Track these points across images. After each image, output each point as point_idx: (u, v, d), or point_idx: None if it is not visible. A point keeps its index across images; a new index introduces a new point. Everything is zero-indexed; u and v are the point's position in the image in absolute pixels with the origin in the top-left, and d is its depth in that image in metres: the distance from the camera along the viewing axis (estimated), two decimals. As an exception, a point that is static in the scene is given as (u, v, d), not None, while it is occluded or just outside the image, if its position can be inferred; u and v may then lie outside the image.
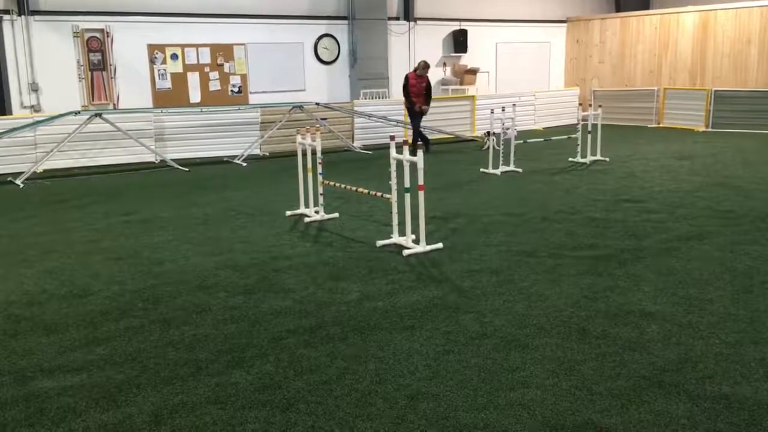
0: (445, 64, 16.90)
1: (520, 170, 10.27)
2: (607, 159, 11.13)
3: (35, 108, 12.25)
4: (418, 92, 12.30)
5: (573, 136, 11.24)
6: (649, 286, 5.04)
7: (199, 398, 3.49)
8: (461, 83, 16.78)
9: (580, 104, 13.83)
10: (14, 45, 12.04)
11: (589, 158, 11.01)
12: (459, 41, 16.78)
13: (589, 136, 11.08)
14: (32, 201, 8.88)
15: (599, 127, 11.28)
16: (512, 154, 10.46)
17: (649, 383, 3.53)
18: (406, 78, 12.45)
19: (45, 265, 5.95)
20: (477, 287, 5.11)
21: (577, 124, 11.25)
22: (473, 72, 16.86)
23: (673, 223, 6.88)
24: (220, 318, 4.62)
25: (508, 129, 10.54)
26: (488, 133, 10.82)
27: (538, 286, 5.09)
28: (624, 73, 17.53)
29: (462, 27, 16.82)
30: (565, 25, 18.70)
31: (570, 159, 11.17)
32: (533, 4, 18.08)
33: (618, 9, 19.13)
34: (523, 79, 17.78)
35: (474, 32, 16.98)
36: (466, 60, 17.06)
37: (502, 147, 10.34)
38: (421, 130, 12.63)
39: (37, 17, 12.17)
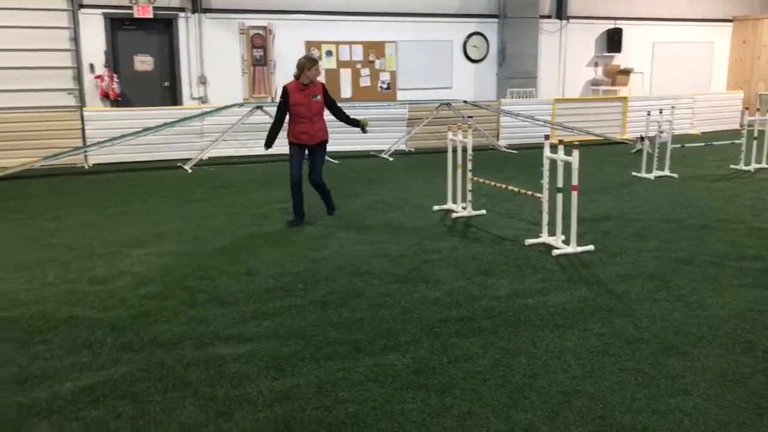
0: (596, 64, 16.41)
1: (675, 175, 9.82)
2: (774, 167, 10.40)
3: (203, 99, 13.20)
4: (308, 114, 7.02)
5: (737, 141, 10.59)
6: (823, 303, 4.71)
7: (359, 375, 3.70)
8: (613, 84, 16.22)
9: (746, 108, 12.97)
10: (187, 40, 13.02)
11: (754, 166, 10.33)
12: (613, 40, 16.22)
13: (755, 142, 10.39)
14: (200, 185, 9.61)
15: (767, 133, 10.54)
16: (668, 159, 10.03)
17: (824, 403, 3.33)
18: (285, 92, 7.02)
19: (215, 244, 6.46)
20: (631, 291, 5.00)
21: (741, 129, 10.58)
22: (626, 72, 16.24)
23: None
24: (374, 303, 4.83)
25: (662, 132, 10.10)
26: (642, 137, 10.34)
27: (697, 295, 4.89)
28: (796, 76, 16.21)
29: (617, 26, 16.25)
30: (730, 24, 17.56)
31: (732, 166, 10.53)
32: (696, 2, 17.13)
33: (792, 7, 17.71)
34: (681, 80, 16.90)
35: (630, 31, 16.35)
36: (620, 60, 16.46)
37: (657, 150, 9.93)
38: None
39: (208, 15, 13.09)
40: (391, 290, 5.10)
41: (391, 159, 12.09)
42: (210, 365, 3.83)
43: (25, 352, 4.04)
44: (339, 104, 7.56)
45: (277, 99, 7.92)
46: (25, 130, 10.98)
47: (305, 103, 7.00)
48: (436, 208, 7.86)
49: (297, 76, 7.01)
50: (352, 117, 7.55)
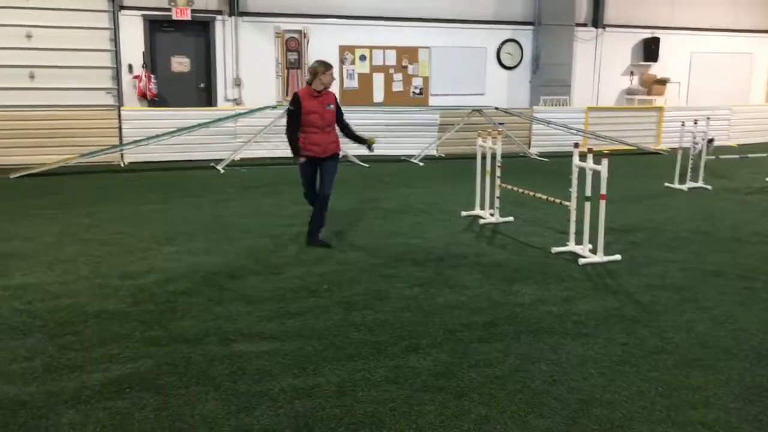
0: (632, 73, 16.24)
1: (709, 187, 9.69)
2: (812, 181, 10.20)
3: (237, 101, 13.39)
4: (321, 124, 6.37)
5: (773, 154, 10.41)
6: None
7: (379, 376, 3.73)
8: (648, 93, 16.05)
9: (783, 121, 12.71)
10: (223, 43, 13.23)
11: (791, 179, 10.15)
12: (650, 49, 16.04)
13: (793, 155, 10.21)
14: (231, 186, 9.75)
15: (805, 146, 10.35)
16: (701, 170, 9.89)
17: None
18: (296, 99, 6.39)
19: (244, 243, 6.55)
20: (657, 302, 4.96)
21: (779, 141, 10.40)
22: (663, 82, 16.06)
23: None
24: (397, 306, 4.86)
25: (697, 144, 9.97)
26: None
27: (725, 308, 4.84)
28: (838, 89, 15.86)
29: (654, 35, 16.07)
30: (771, 34, 17.27)
31: (768, 179, 10.37)
32: (737, 12, 16.86)
33: (836, 18, 17.33)
34: (719, 91, 16.63)
35: (667, 40, 16.15)
36: (656, 69, 16.28)
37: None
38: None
39: (244, 18, 13.28)
40: (414, 293, 5.13)
41: (421, 164, 12.12)
42: (233, 361, 3.91)
43: (56, 342, 4.15)
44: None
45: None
46: (63, 127, 11.27)
47: (319, 111, 6.34)
48: (464, 213, 7.87)
49: (309, 82, 6.38)
50: (358, 134, 6.83)
